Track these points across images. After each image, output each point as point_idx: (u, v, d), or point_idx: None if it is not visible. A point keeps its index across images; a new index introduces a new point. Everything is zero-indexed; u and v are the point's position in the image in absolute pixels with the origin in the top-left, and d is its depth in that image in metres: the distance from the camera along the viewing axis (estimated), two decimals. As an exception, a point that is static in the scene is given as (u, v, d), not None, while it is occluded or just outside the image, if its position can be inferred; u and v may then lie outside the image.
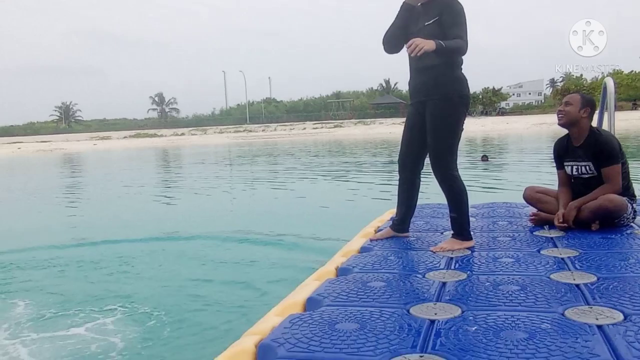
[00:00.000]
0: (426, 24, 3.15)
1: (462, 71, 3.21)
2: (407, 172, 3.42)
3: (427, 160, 3.35)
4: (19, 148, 48.17)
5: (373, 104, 79.83)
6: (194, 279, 5.30)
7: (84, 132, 79.77)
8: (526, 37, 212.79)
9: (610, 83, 4.26)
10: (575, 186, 3.72)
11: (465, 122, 3.23)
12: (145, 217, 9.53)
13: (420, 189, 3.51)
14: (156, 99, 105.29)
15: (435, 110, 3.16)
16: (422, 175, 3.46)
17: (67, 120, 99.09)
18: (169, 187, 15.06)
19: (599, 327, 1.94)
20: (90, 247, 7.03)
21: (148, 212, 10.21)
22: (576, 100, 3.59)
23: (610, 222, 3.47)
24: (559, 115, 3.65)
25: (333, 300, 2.36)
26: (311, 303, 2.38)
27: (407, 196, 3.46)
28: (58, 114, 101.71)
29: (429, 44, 2.94)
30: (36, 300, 4.77)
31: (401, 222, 3.52)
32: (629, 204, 3.50)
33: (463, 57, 3.16)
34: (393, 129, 44.85)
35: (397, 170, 3.49)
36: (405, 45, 3.13)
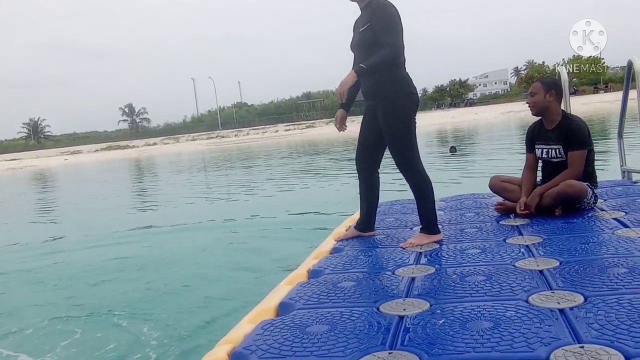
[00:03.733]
0: (361, 29, 3.22)
1: (406, 69, 3.24)
2: (364, 171, 3.48)
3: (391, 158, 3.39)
4: (-13, 168, 47.08)
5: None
6: (175, 281, 5.39)
7: (54, 147, 78.65)
8: (489, 27, 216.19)
9: (563, 71, 4.44)
10: (544, 170, 3.83)
11: (416, 116, 3.27)
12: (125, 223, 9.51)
13: (396, 185, 3.55)
14: (126, 109, 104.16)
15: (385, 113, 3.22)
16: (395, 172, 3.50)
17: (36, 137, 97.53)
18: (142, 197, 14.93)
19: (561, 310, 2.01)
20: (64, 255, 7.21)
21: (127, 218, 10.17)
22: (539, 88, 3.71)
23: (572, 207, 3.57)
24: (530, 107, 3.77)
25: (304, 303, 2.39)
26: (283, 308, 2.41)
27: (367, 195, 3.51)
28: (26, 131, 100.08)
29: (349, 78, 3.04)
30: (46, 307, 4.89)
31: (363, 221, 3.56)
32: (589, 189, 3.60)
33: (405, 56, 3.20)
34: (365, 126, 44.91)
35: (356, 170, 3.53)
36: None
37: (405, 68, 3.24)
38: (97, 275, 5.91)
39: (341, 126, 3.53)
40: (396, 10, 3.15)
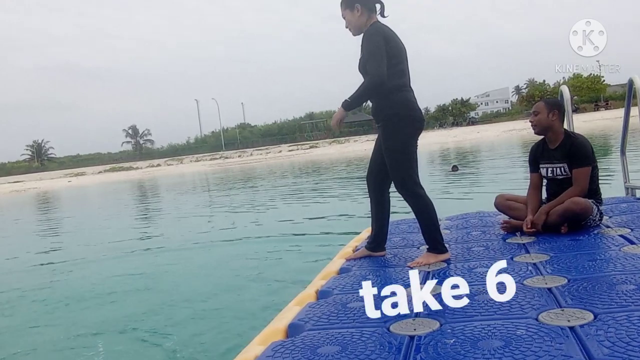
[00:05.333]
0: (359, 58, 3.30)
1: (409, 91, 3.27)
2: (373, 191, 3.51)
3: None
4: (-10, 190, 47.28)
5: (346, 122, 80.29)
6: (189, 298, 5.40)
7: (58, 169, 79.09)
8: (490, 46, 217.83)
9: (565, 90, 4.47)
10: (549, 187, 3.85)
11: (418, 139, 3.31)
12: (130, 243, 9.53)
13: (401, 204, 3.56)
14: (130, 131, 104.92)
15: (384, 135, 3.28)
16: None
17: (39, 159, 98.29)
18: (148, 216, 14.95)
19: (571, 328, 2.01)
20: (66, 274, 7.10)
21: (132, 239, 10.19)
22: (542, 108, 3.76)
23: (578, 224, 3.58)
24: (532, 126, 3.81)
25: (314, 324, 2.39)
26: (293, 329, 2.41)
27: (377, 215, 3.53)
28: (30, 153, 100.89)
29: (338, 114, 3.28)
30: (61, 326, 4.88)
31: (374, 241, 3.57)
32: (594, 206, 3.61)
33: (408, 78, 3.27)
34: (368, 146, 45.15)
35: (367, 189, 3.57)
36: None
37: (407, 90, 3.26)
38: (107, 294, 5.93)
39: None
40: (384, 36, 3.16)
